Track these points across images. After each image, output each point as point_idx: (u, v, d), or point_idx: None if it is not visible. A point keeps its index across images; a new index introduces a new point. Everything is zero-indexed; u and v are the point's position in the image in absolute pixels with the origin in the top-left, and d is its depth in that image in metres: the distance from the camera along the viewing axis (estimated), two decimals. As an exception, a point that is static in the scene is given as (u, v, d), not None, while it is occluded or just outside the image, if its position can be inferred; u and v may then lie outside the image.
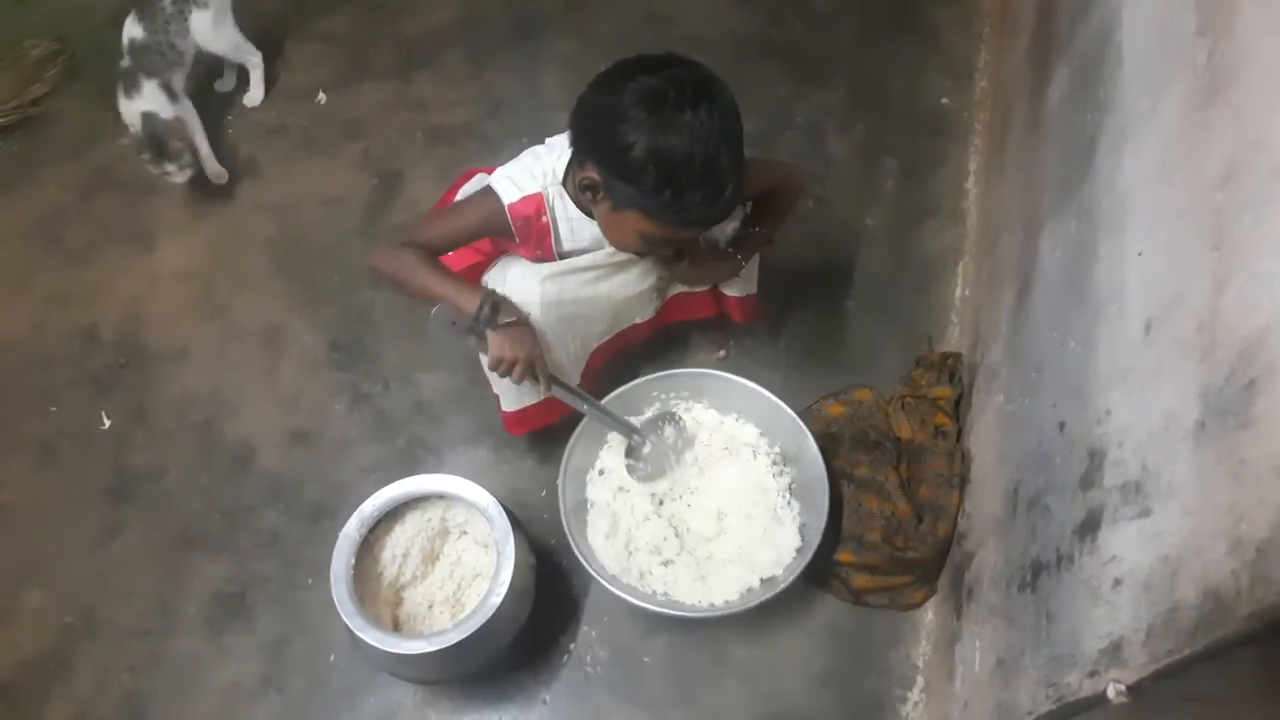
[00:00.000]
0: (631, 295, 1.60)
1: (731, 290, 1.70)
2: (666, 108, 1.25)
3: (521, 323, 1.43)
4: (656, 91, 1.26)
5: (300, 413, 1.86)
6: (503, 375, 1.45)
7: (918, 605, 1.63)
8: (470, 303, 1.39)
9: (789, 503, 1.63)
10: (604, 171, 1.34)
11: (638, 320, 1.69)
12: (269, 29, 2.44)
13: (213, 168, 2.14)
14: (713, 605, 1.52)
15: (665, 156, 1.26)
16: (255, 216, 2.12)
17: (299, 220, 2.12)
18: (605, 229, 1.44)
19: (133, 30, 2.03)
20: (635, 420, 1.67)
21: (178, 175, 2.03)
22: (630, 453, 1.64)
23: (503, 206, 1.44)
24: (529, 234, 1.47)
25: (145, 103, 1.99)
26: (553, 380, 1.49)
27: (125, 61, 2.02)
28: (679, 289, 1.70)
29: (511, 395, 1.60)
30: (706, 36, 2.37)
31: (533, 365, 1.43)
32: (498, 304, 1.40)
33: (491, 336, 1.40)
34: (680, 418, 1.69)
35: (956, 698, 1.37)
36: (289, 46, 2.42)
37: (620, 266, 1.56)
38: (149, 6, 2.03)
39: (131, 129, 2.01)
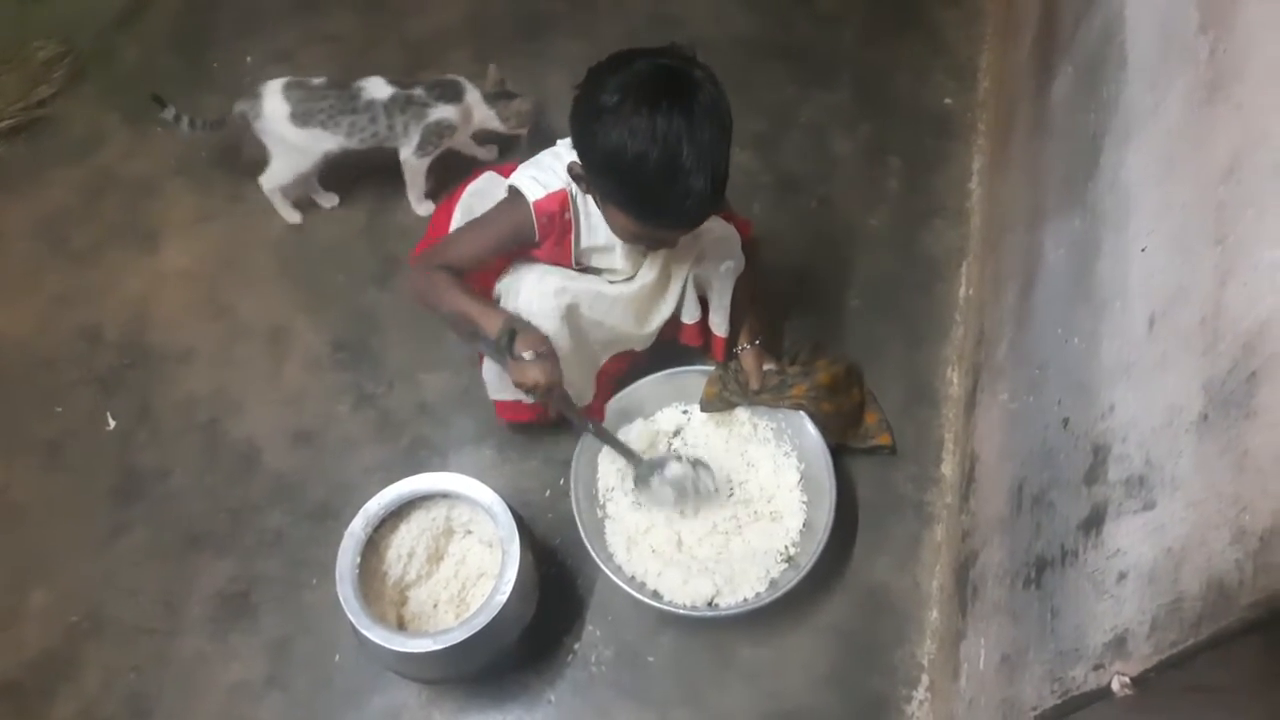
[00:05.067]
0: (635, 334, 1.64)
1: (718, 331, 1.72)
2: (628, 104, 1.24)
3: (540, 352, 1.42)
4: (624, 87, 1.25)
5: (305, 413, 1.87)
6: (527, 394, 1.47)
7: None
8: (491, 327, 1.41)
9: (798, 494, 1.65)
10: (583, 163, 1.36)
11: (637, 349, 1.71)
12: (275, 30, 2.46)
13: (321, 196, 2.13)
14: (725, 604, 1.54)
15: (620, 155, 1.26)
16: (261, 217, 2.12)
17: (304, 220, 2.12)
18: (606, 218, 1.45)
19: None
20: (656, 454, 1.69)
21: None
22: (637, 482, 1.64)
23: (529, 207, 1.44)
24: (550, 230, 1.47)
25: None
26: (568, 406, 1.52)
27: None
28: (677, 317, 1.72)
29: (496, 386, 1.64)
30: (711, 37, 2.38)
31: (551, 391, 1.45)
32: (515, 333, 1.41)
33: (510, 361, 1.43)
34: (701, 461, 1.65)
35: (962, 695, 1.37)
36: (294, 47, 2.43)
37: (632, 303, 1.58)
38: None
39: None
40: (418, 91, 1.95)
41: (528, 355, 1.41)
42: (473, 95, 2.00)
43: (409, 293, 1.48)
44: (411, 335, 1.94)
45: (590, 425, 1.59)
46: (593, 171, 1.34)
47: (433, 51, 2.40)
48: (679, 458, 1.63)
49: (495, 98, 2.01)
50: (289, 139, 1.94)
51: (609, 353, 1.69)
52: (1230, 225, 0.83)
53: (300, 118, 1.92)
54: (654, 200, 1.30)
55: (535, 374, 1.41)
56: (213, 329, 1.98)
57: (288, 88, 1.93)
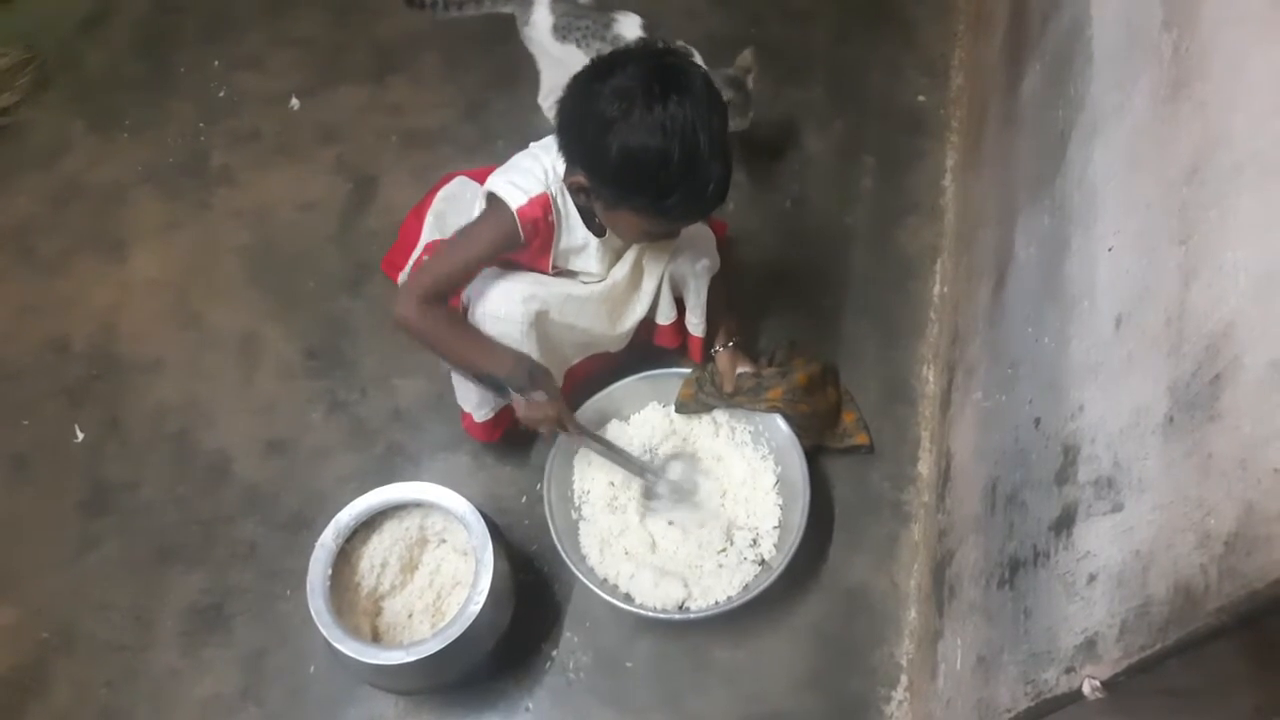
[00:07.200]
0: (608, 334, 1.63)
1: (695, 331, 1.72)
2: (636, 108, 1.24)
3: (550, 390, 1.47)
4: (625, 92, 1.25)
5: (277, 421, 1.84)
6: (532, 429, 1.53)
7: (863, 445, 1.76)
8: (503, 368, 1.44)
9: (774, 496, 1.65)
10: (590, 177, 1.34)
11: (611, 350, 1.71)
12: (242, 34, 2.43)
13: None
14: (697, 607, 1.53)
15: (641, 158, 1.26)
16: (229, 224, 2.10)
17: (273, 227, 2.10)
18: (607, 225, 1.45)
19: None
20: (649, 459, 1.70)
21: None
22: (646, 493, 1.66)
23: (513, 215, 1.42)
24: (536, 234, 1.46)
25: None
26: (580, 430, 1.54)
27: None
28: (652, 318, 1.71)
29: (464, 395, 1.65)
30: (684, 35, 2.34)
31: (560, 420, 1.49)
32: (532, 374, 1.45)
33: (520, 400, 1.46)
34: (693, 454, 1.70)
35: (940, 696, 1.37)
36: (262, 52, 2.40)
37: (604, 303, 1.57)
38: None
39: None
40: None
41: (538, 396, 1.45)
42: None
43: (398, 321, 1.44)
44: (384, 341, 1.92)
45: (600, 443, 1.60)
46: (608, 182, 1.32)
47: (403, 55, 2.38)
48: (676, 456, 1.68)
49: (729, 81, 1.89)
50: (551, 52, 1.95)
51: (582, 355, 1.68)
52: (1193, 225, 0.82)
53: (561, 31, 1.92)
54: (678, 193, 1.29)
55: (545, 406, 1.46)
56: (182, 338, 1.95)
57: (555, 0, 1.92)
